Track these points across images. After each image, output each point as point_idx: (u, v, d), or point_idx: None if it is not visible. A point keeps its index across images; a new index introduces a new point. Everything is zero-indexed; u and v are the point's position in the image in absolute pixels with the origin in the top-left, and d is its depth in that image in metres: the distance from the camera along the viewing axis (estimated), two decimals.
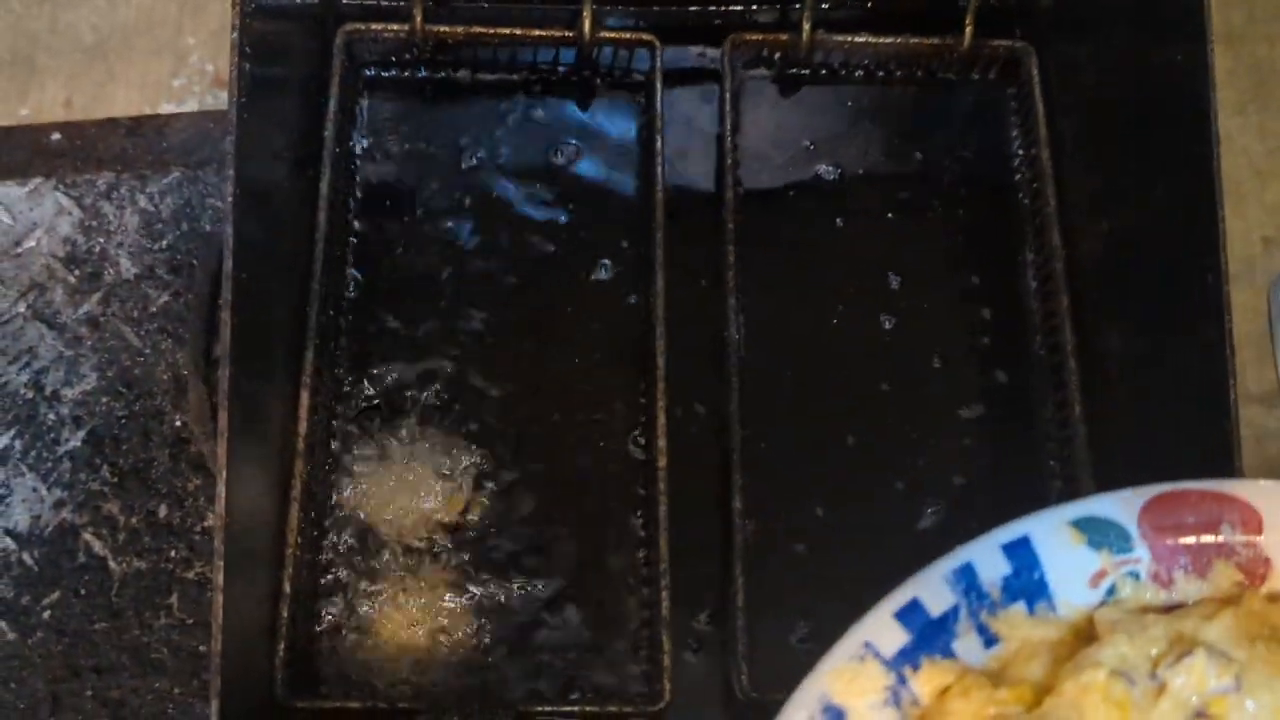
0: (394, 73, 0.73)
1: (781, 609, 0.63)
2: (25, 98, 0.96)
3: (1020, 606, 0.47)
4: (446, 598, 0.64)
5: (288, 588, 0.60)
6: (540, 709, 0.58)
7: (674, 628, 0.61)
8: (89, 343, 0.79)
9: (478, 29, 0.72)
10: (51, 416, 0.78)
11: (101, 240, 0.82)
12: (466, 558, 0.64)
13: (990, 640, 0.47)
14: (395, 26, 0.71)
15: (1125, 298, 0.64)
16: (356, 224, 0.70)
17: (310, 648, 0.62)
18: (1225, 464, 0.54)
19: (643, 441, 0.66)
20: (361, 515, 0.65)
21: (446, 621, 0.63)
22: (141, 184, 0.83)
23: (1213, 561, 0.47)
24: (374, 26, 0.72)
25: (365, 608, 0.63)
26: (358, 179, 0.71)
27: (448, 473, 0.66)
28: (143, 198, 0.82)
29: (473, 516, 0.65)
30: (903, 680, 0.46)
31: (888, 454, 0.68)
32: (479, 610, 0.63)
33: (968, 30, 0.72)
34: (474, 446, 0.66)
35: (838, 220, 0.73)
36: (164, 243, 0.82)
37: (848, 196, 0.74)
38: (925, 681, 0.47)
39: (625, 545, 0.65)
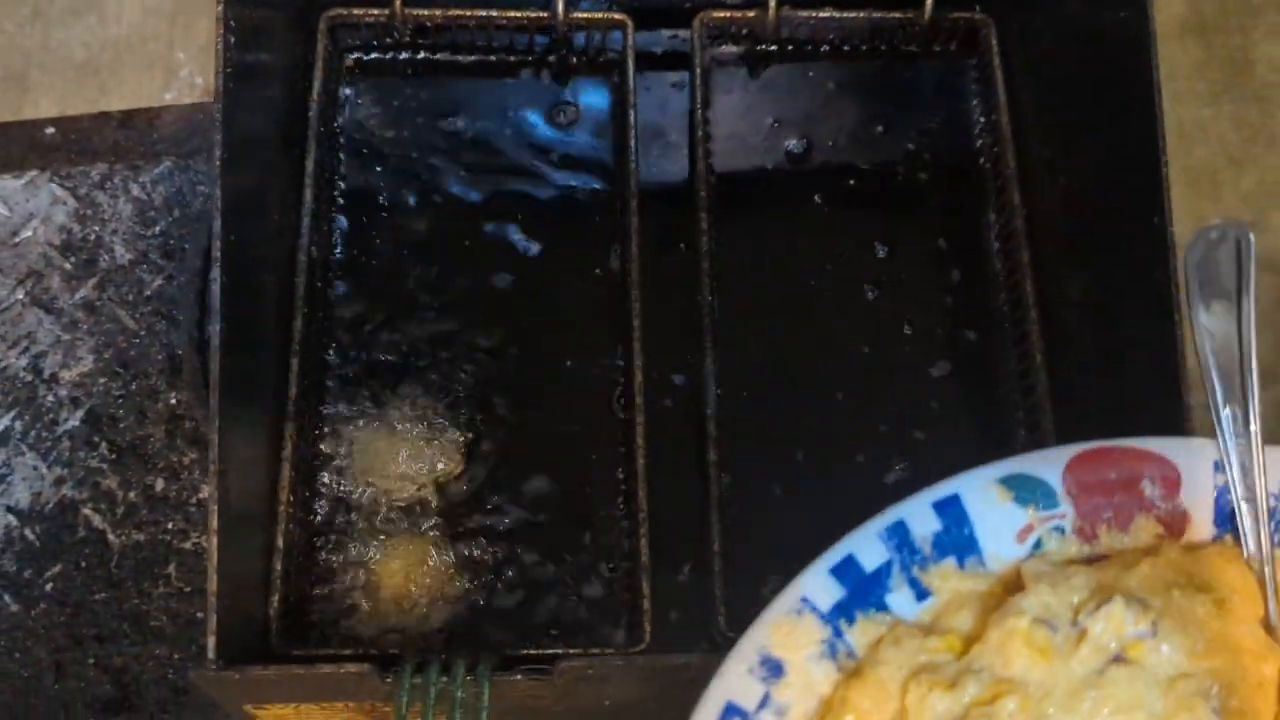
0: (376, 55, 0.76)
1: (756, 558, 0.66)
2: (19, 114, 0.99)
3: (951, 561, 0.49)
4: (434, 551, 0.66)
5: (280, 543, 0.62)
6: (524, 651, 0.60)
7: (654, 578, 0.63)
8: (85, 326, 0.82)
9: (455, 12, 0.75)
10: (50, 398, 0.80)
11: (96, 228, 0.85)
12: (453, 513, 0.67)
13: (922, 594, 0.49)
14: (376, 11, 0.74)
15: (1081, 249, 0.66)
16: (342, 199, 0.73)
17: (303, 599, 0.64)
18: (1175, 400, 0.56)
19: (623, 402, 0.69)
20: (352, 474, 0.67)
21: (434, 573, 0.66)
22: (134, 174, 0.85)
23: (1134, 515, 0.50)
24: (355, 11, 0.74)
25: (356, 561, 0.65)
26: (342, 157, 0.74)
27: (435, 432, 0.68)
28: (135, 187, 0.85)
29: (459, 473, 0.67)
30: (838, 633, 0.49)
31: (858, 411, 0.70)
32: (465, 562, 0.66)
33: (928, 3, 0.75)
34: (460, 407, 0.69)
35: (808, 190, 0.76)
36: (157, 229, 0.84)
37: (817, 167, 0.77)
38: (860, 634, 0.49)
39: (607, 499, 0.67)
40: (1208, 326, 0.50)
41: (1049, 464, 0.50)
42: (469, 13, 0.75)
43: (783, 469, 0.69)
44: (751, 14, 0.76)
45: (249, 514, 0.60)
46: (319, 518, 0.66)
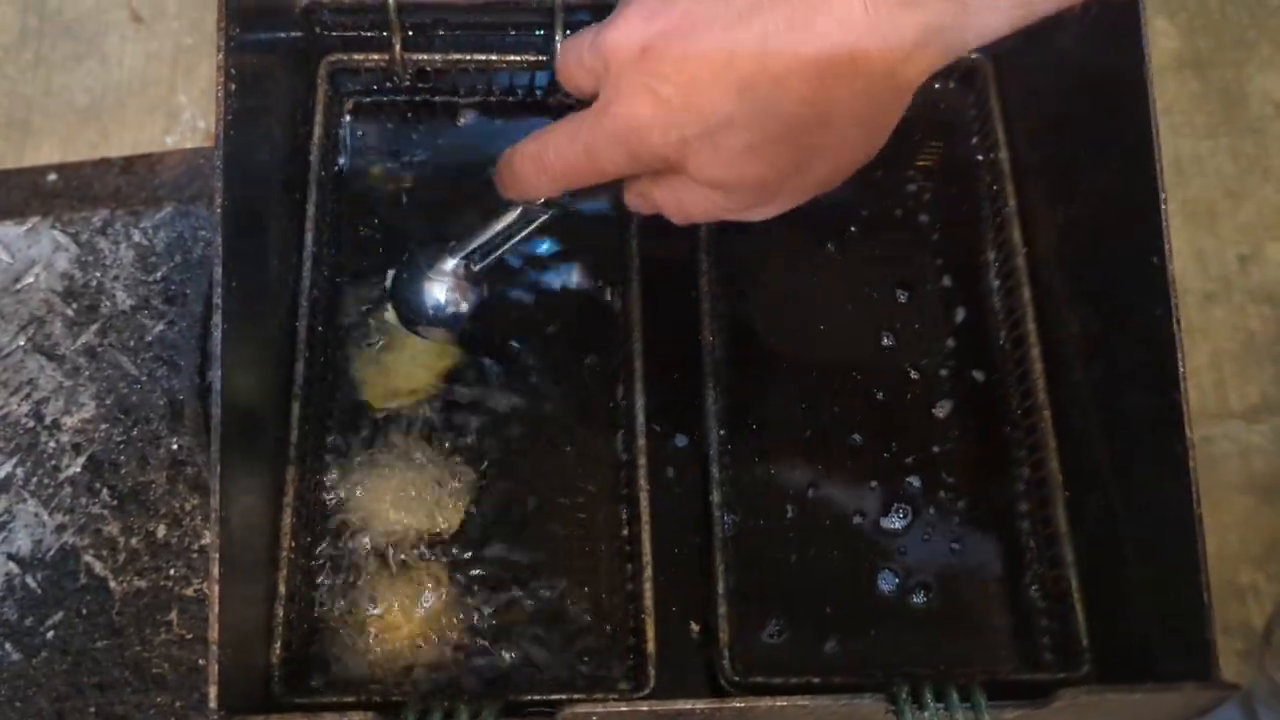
0: (376, 99, 0.76)
1: (761, 602, 0.66)
2: (21, 159, 0.99)
3: None
4: (437, 595, 0.66)
5: (283, 589, 0.62)
6: (528, 697, 0.60)
7: (659, 623, 0.62)
8: (87, 372, 0.82)
9: (454, 56, 0.75)
10: (52, 444, 0.80)
11: (98, 274, 0.85)
12: (457, 557, 0.66)
13: None
14: (376, 56, 0.75)
15: (1081, 285, 0.66)
16: (343, 242, 0.73)
17: (306, 646, 0.63)
18: (1176, 437, 0.56)
19: (625, 443, 0.68)
20: (355, 518, 0.67)
21: (438, 618, 0.65)
22: (135, 219, 0.86)
23: None
24: (355, 57, 0.75)
25: (359, 607, 0.65)
26: (343, 200, 0.74)
27: (438, 476, 0.68)
28: (137, 232, 0.85)
29: (462, 517, 0.67)
30: None
31: (861, 451, 0.70)
32: (469, 607, 0.65)
33: None
34: (463, 451, 0.68)
35: (810, 232, 0.76)
36: (158, 275, 0.84)
37: (818, 208, 0.76)
38: None
39: (611, 542, 0.67)
40: None
41: None
42: (469, 56, 0.75)
43: (787, 511, 0.68)
44: None
45: (251, 560, 0.60)
46: (322, 563, 0.66)
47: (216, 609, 0.52)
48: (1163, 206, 0.57)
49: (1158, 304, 0.57)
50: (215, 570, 0.52)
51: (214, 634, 0.52)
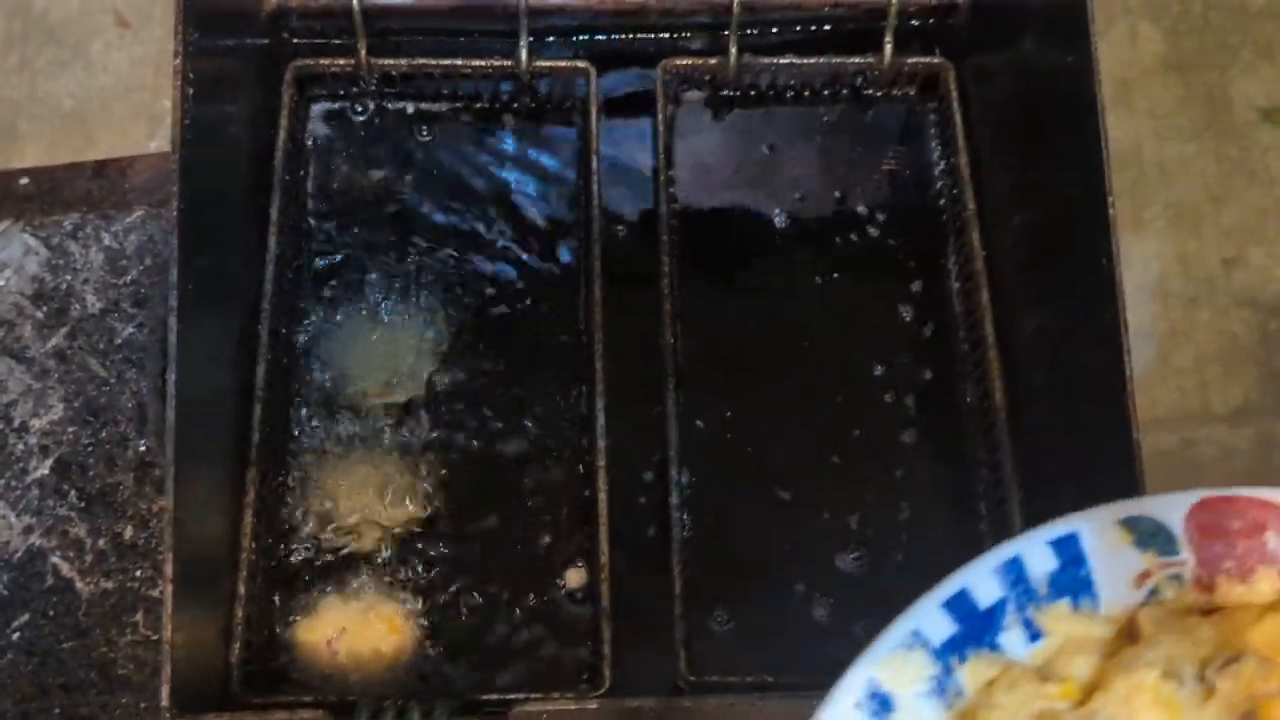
0: (342, 104, 0.77)
1: (717, 603, 0.66)
2: (9, 162, 1.00)
3: (1065, 602, 0.47)
4: (396, 596, 0.66)
5: (243, 589, 0.63)
6: (482, 696, 0.60)
7: (615, 622, 0.63)
8: (56, 375, 0.82)
9: (421, 61, 0.76)
10: (20, 447, 0.80)
11: (68, 278, 0.85)
12: (415, 558, 0.67)
13: (1035, 635, 0.47)
14: (342, 62, 0.75)
15: (1036, 287, 0.67)
16: (307, 247, 0.74)
17: (266, 646, 0.64)
18: (1124, 436, 0.57)
19: (586, 445, 0.69)
20: (316, 519, 0.67)
21: (396, 618, 0.66)
22: (106, 223, 0.86)
23: (1256, 568, 0.47)
24: (321, 62, 0.75)
25: (320, 607, 0.66)
26: (308, 205, 0.75)
27: (399, 479, 0.69)
28: (107, 236, 0.86)
29: (422, 519, 0.68)
30: (949, 670, 0.46)
31: (817, 450, 0.71)
32: (427, 607, 0.66)
33: (888, 49, 0.76)
34: (425, 453, 0.69)
35: (772, 235, 0.76)
36: (128, 278, 0.85)
37: (780, 212, 0.77)
38: (971, 674, 0.46)
39: (569, 543, 0.67)
40: None
41: (1171, 508, 0.48)
42: (434, 62, 0.76)
43: (747, 511, 0.69)
44: (713, 61, 0.77)
45: (210, 561, 0.60)
46: (283, 564, 0.66)
47: (170, 610, 0.53)
48: (1109, 212, 0.58)
49: (1106, 306, 0.58)
50: (169, 571, 0.53)
51: (168, 634, 0.52)
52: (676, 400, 0.69)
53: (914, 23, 0.77)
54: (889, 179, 0.77)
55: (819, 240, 0.76)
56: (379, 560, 0.67)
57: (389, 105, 0.77)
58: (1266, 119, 0.94)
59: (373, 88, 0.76)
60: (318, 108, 0.77)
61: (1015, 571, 0.47)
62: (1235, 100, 0.97)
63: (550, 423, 0.70)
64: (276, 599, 0.65)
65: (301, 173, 0.75)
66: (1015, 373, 0.68)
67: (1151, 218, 0.86)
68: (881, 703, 0.46)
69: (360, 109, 0.77)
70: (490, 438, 0.70)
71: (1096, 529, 0.48)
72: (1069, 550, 0.48)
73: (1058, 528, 0.48)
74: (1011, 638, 0.47)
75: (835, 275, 0.75)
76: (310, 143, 0.76)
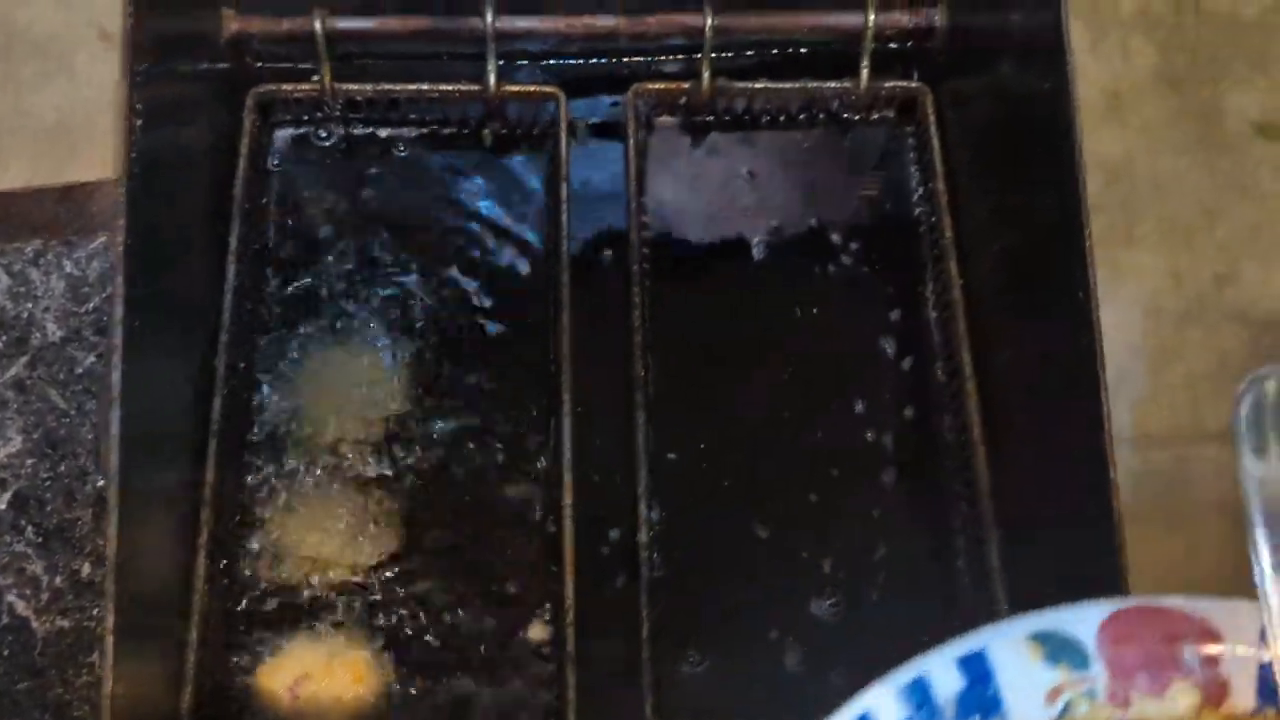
0: (306, 130, 0.75)
1: (684, 643, 0.64)
2: None
3: None
4: (356, 640, 0.64)
5: (194, 635, 0.61)
6: None
7: (579, 665, 0.61)
8: (15, 406, 0.80)
9: (386, 86, 0.74)
10: None
11: (29, 305, 0.83)
12: (377, 603, 0.65)
13: None
14: (305, 86, 0.73)
15: (1015, 317, 0.65)
16: (268, 273, 0.72)
17: (219, 692, 0.62)
18: (1101, 471, 0.55)
19: (553, 478, 0.67)
20: (273, 562, 0.65)
21: (361, 666, 0.64)
22: (69, 249, 0.84)
23: (1171, 681, 0.47)
24: (284, 87, 0.74)
25: (276, 651, 0.64)
26: (270, 233, 0.73)
27: (361, 519, 0.67)
28: (69, 263, 0.84)
29: (383, 563, 0.66)
30: None
31: (794, 488, 0.69)
32: (388, 654, 0.64)
33: (864, 73, 0.75)
34: (388, 490, 0.67)
35: (748, 264, 0.75)
36: (89, 305, 0.83)
37: (757, 240, 0.76)
38: None
39: (535, 588, 0.65)
40: (1257, 473, 0.46)
41: (1082, 620, 0.47)
42: (400, 87, 0.74)
43: (720, 549, 0.67)
44: (686, 85, 0.75)
45: (159, 605, 0.58)
46: (240, 607, 0.64)
47: (111, 660, 0.51)
48: (1087, 244, 0.56)
49: (1083, 338, 0.56)
50: (110, 621, 0.51)
51: (108, 687, 0.50)
52: (647, 434, 0.67)
53: (892, 45, 0.76)
54: (868, 205, 0.76)
55: (796, 269, 0.74)
56: (342, 603, 0.65)
57: (354, 131, 0.75)
58: (1260, 133, 0.93)
59: (337, 113, 0.74)
60: (281, 133, 0.75)
61: (920, 693, 0.46)
62: (1228, 114, 0.96)
63: (517, 459, 0.68)
64: (234, 644, 0.63)
65: (264, 200, 0.73)
66: (993, 405, 0.66)
67: (1143, 233, 0.85)
68: None
69: (325, 134, 0.75)
70: (457, 474, 0.68)
71: (1005, 645, 0.47)
72: (976, 668, 0.47)
73: (965, 644, 0.47)
74: None
75: (813, 307, 0.73)
76: (273, 169, 0.74)
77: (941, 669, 0.46)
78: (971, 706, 0.46)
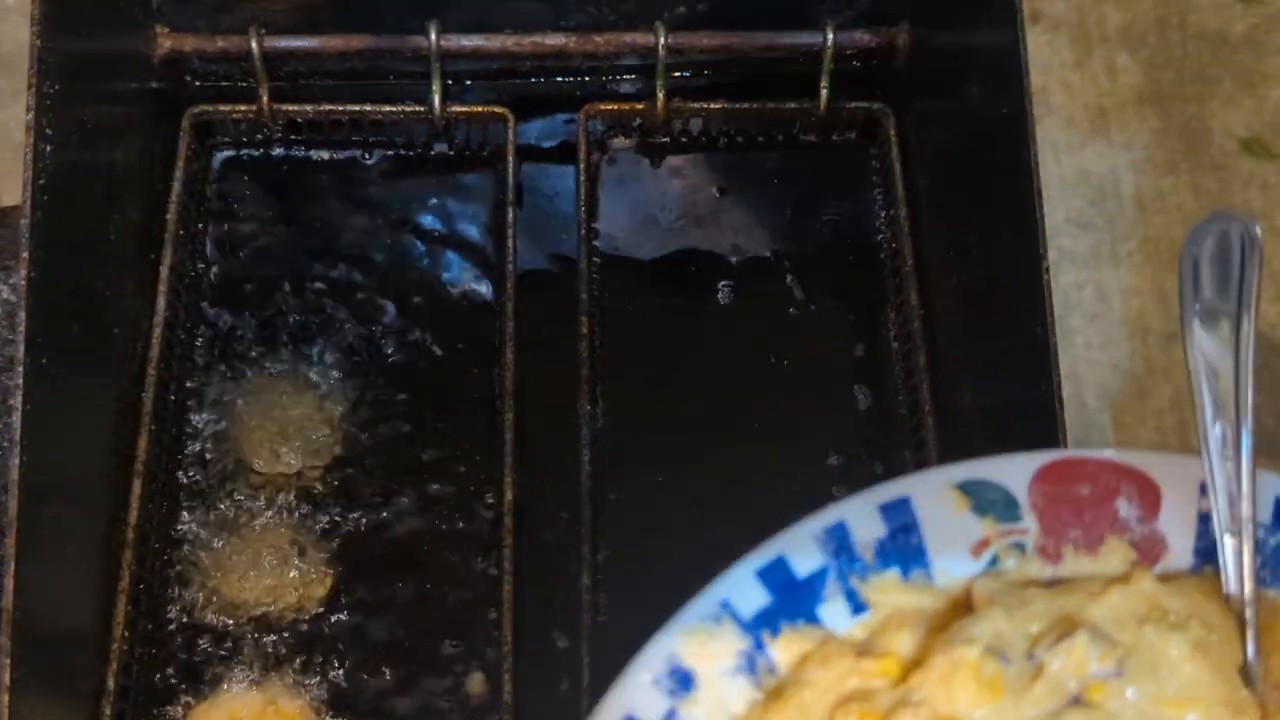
0: (246, 153, 0.73)
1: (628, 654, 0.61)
2: None
3: (894, 572, 0.44)
4: (289, 692, 0.61)
5: (112, 684, 0.58)
6: None
7: (516, 715, 0.59)
8: None
9: (327, 107, 0.72)
10: None
11: None
12: (315, 642, 0.62)
13: (859, 607, 0.44)
14: (243, 107, 0.71)
15: (974, 352, 0.63)
16: (205, 305, 0.69)
17: None
18: None
19: (492, 518, 0.64)
20: (202, 603, 0.62)
21: (289, 717, 0.61)
22: (5, 275, 0.81)
23: (1105, 537, 0.44)
24: (221, 108, 0.71)
25: (205, 697, 0.61)
26: (205, 261, 0.70)
27: (297, 560, 0.64)
28: (5, 289, 0.81)
29: (323, 600, 0.63)
30: (760, 645, 0.43)
31: (748, 532, 0.66)
32: (324, 691, 0.61)
33: (824, 93, 0.72)
34: (323, 528, 0.64)
35: (705, 294, 0.72)
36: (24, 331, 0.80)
37: (713, 263, 0.73)
38: (784, 648, 0.43)
39: (474, 625, 0.63)
40: (1201, 334, 0.44)
41: (1014, 472, 0.44)
42: (342, 108, 0.72)
43: (665, 599, 0.64)
44: (640, 106, 0.73)
45: (71, 655, 0.56)
46: (163, 652, 0.61)
47: (6, 716, 0.48)
48: (1045, 275, 0.53)
49: (1041, 379, 0.53)
50: (6, 678, 0.48)
51: None
52: (592, 474, 0.64)
53: (855, 63, 0.73)
54: (830, 230, 0.73)
55: (756, 300, 0.72)
56: (275, 645, 0.62)
57: (295, 153, 0.73)
58: (1247, 150, 0.91)
59: (277, 134, 0.72)
60: (219, 156, 0.72)
61: (839, 538, 0.44)
62: (1214, 132, 0.94)
63: (457, 497, 0.65)
64: (161, 691, 0.60)
65: (200, 225, 0.71)
66: (951, 441, 0.64)
67: (1129, 252, 0.83)
68: (681, 680, 0.42)
69: (264, 157, 0.73)
70: (394, 514, 0.65)
71: (931, 493, 0.44)
72: (899, 516, 0.44)
73: (887, 491, 0.44)
74: (832, 610, 0.43)
75: (774, 338, 0.70)
76: (210, 194, 0.72)
77: (862, 514, 0.44)
78: (892, 556, 0.44)
